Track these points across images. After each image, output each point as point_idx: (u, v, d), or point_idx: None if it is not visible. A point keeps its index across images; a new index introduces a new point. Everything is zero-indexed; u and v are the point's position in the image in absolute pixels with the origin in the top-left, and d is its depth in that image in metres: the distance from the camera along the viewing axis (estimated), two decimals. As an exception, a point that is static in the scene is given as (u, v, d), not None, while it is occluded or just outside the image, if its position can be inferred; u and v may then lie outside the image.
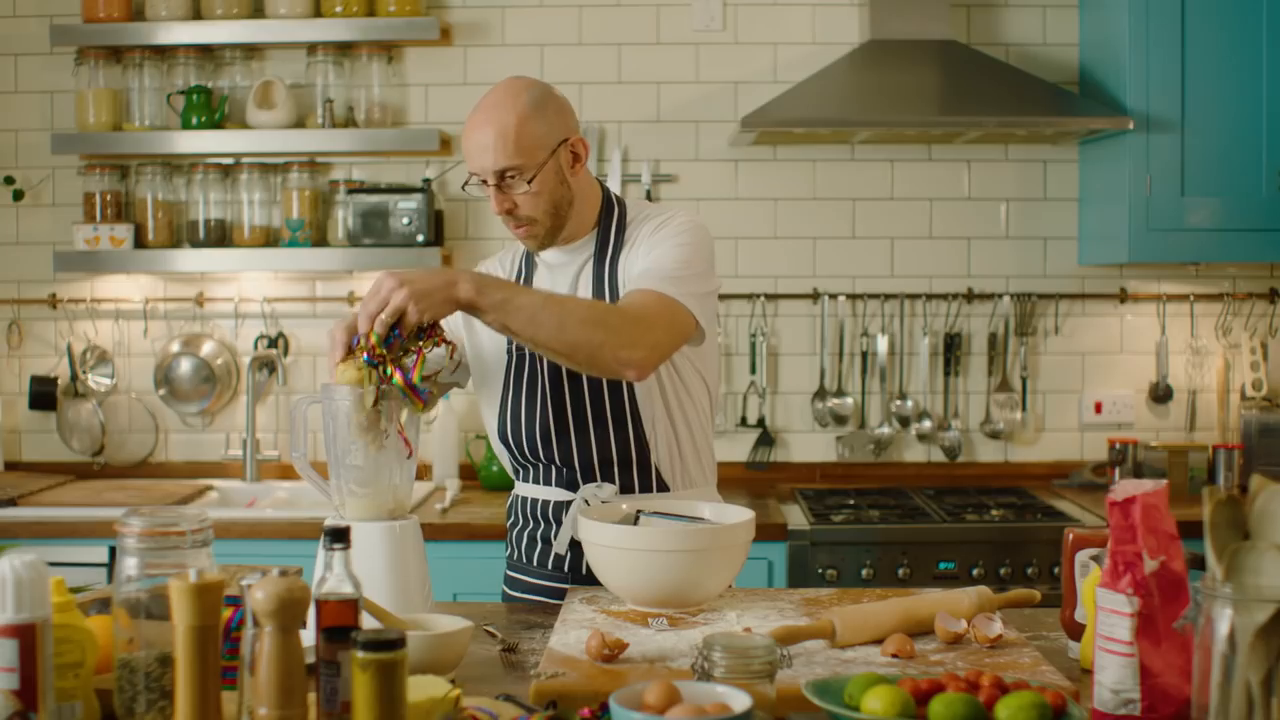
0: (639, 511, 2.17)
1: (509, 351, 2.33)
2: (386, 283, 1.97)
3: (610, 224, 2.33)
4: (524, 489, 2.41)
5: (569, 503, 2.31)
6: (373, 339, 1.96)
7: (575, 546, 2.29)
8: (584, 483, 2.30)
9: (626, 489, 2.30)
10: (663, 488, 2.32)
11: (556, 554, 2.33)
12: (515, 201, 2.23)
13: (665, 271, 2.20)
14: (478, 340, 2.38)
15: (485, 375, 2.39)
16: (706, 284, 2.26)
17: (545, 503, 2.36)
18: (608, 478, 2.30)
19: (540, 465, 2.35)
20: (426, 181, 3.83)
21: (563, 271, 2.34)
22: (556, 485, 2.34)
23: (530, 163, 2.20)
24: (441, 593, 2.71)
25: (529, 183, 2.21)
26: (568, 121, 2.26)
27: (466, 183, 2.28)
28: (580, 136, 2.28)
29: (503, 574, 2.49)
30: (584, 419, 2.28)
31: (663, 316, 2.15)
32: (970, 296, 3.96)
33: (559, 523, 2.33)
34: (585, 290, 2.32)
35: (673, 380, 2.30)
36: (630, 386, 2.27)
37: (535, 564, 2.38)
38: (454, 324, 2.37)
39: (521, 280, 2.39)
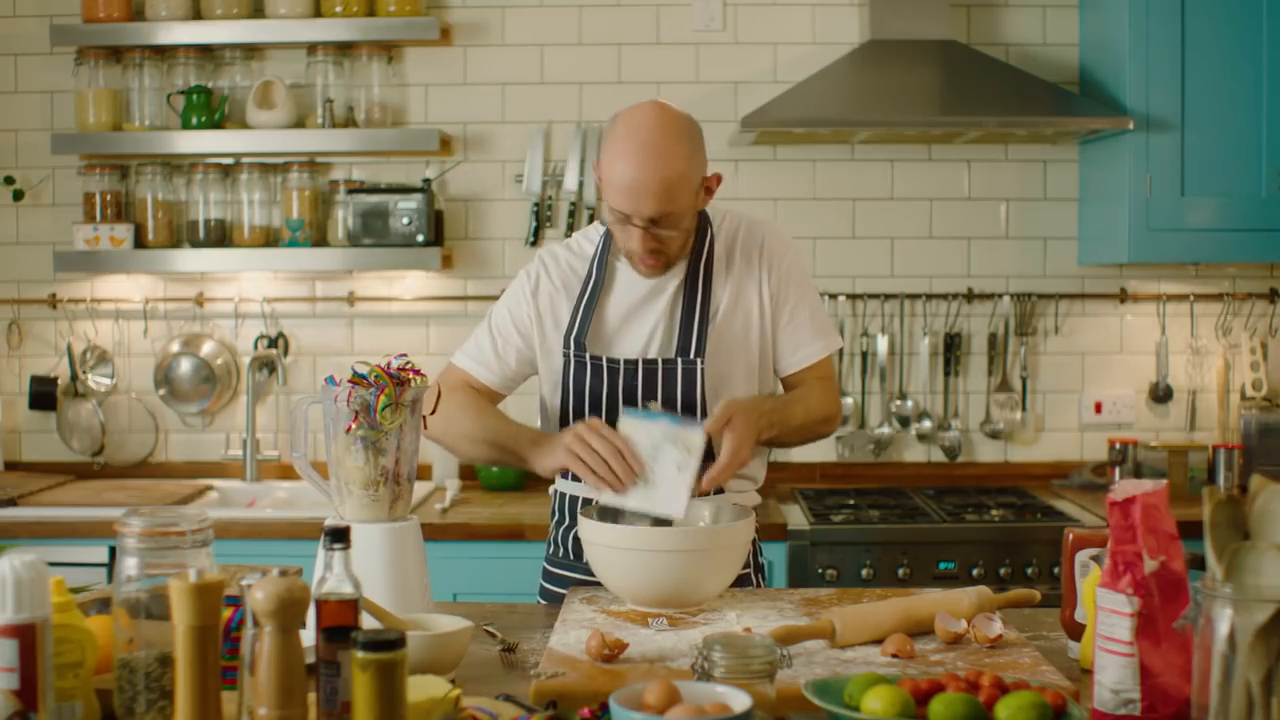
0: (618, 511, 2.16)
1: (566, 355, 2.34)
2: (748, 444, 2.19)
3: (702, 247, 2.35)
4: (570, 486, 2.41)
5: None
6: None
7: None
8: None
9: None
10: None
11: None
12: (659, 240, 2.24)
13: (819, 326, 2.40)
14: (547, 343, 2.39)
15: (552, 376, 2.40)
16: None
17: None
18: None
19: None
20: (426, 181, 3.83)
21: (653, 298, 2.34)
22: None
23: (684, 208, 2.23)
24: (441, 593, 2.71)
25: (677, 227, 2.24)
26: (705, 157, 2.28)
27: (595, 216, 2.31)
28: (716, 172, 2.32)
29: (539, 571, 2.50)
30: None
31: (834, 373, 2.49)
32: (970, 296, 3.95)
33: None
34: (675, 316, 2.33)
35: (750, 384, 2.35)
36: (705, 402, 2.29)
37: (583, 559, 2.37)
38: (521, 323, 2.40)
39: (591, 286, 2.37)
